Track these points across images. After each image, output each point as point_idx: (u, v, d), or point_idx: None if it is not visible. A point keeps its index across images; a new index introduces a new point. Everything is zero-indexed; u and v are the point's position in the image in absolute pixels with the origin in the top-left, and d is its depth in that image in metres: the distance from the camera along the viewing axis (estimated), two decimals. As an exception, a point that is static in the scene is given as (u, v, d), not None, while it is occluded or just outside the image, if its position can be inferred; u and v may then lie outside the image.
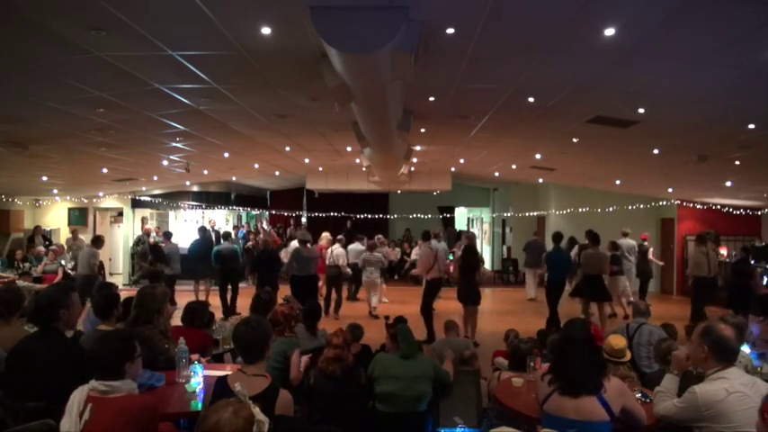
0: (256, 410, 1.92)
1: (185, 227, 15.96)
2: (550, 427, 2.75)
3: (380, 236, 12.94)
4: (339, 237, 11.00)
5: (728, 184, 9.55)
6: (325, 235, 10.90)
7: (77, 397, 2.48)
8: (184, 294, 10.35)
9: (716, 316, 5.71)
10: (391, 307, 10.61)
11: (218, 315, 7.98)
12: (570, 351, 2.95)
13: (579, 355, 2.89)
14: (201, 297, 10.48)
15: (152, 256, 10.96)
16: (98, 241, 10.36)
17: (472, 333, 8.37)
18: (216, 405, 1.94)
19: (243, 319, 3.28)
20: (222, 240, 10.85)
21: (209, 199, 16.32)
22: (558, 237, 9.45)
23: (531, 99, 5.68)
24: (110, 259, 14.86)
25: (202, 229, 11.67)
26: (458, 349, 5.20)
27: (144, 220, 15.23)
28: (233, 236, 12.45)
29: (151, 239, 13.78)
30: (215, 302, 9.58)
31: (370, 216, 16.68)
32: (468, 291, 8.45)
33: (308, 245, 9.44)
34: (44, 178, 10.69)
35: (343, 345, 3.95)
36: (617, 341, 4.20)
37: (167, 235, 11.44)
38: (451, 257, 11.78)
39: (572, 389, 2.83)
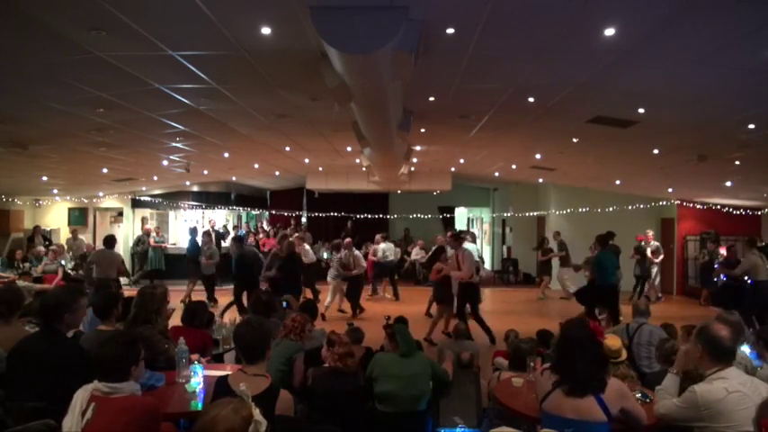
0: (256, 412, 1.93)
1: (185, 227, 15.93)
2: (548, 425, 2.75)
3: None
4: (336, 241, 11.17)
5: (728, 184, 9.55)
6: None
7: (81, 396, 2.49)
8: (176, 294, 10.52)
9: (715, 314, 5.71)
10: (391, 307, 10.61)
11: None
12: (572, 352, 2.90)
13: (581, 355, 2.87)
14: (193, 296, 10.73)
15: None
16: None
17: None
18: (218, 401, 1.96)
19: (244, 319, 3.28)
20: (234, 243, 10.76)
21: (209, 199, 16.30)
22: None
23: (531, 99, 5.68)
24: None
25: (193, 231, 11.99)
26: (456, 351, 5.20)
27: (144, 220, 15.22)
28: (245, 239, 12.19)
29: (151, 240, 13.80)
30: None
31: (370, 216, 16.67)
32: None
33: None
34: (44, 178, 10.69)
35: (348, 341, 4.00)
36: (613, 341, 4.22)
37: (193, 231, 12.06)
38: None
39: (578, 389, 2.81)
